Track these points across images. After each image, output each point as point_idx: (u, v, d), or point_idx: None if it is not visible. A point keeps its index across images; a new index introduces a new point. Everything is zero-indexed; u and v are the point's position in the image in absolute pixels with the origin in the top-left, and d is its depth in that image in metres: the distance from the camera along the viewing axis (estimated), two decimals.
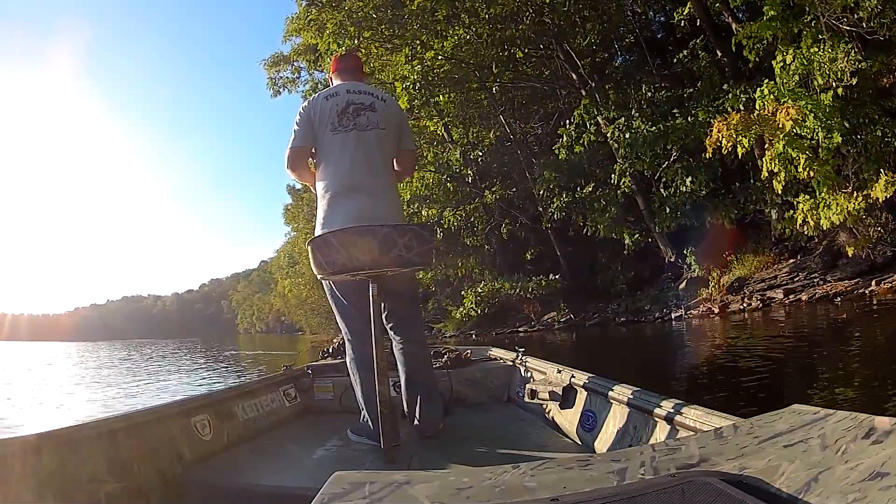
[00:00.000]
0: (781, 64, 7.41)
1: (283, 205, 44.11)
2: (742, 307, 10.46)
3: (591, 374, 2.32)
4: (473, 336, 15.75)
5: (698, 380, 5.44)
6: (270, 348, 24.11)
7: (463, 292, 16.35)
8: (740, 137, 7.30)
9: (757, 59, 8.85)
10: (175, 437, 1.99)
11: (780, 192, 7.53)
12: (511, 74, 14.63)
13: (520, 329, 15.37)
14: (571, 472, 0.93)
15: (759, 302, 10.30)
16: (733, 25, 10.76)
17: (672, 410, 1.63)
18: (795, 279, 10.38)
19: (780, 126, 7.10)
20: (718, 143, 7.73)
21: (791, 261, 10.91)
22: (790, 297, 10.01)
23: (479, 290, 15.69)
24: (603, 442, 2.01)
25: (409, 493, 0.84)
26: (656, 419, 1.72)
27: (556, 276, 14.79)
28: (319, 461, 2.14)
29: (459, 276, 17.86)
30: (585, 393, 2.28)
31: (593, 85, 13.38)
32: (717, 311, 10.74)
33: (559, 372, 2.56)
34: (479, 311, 15.84)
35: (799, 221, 7.11)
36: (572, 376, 2.40)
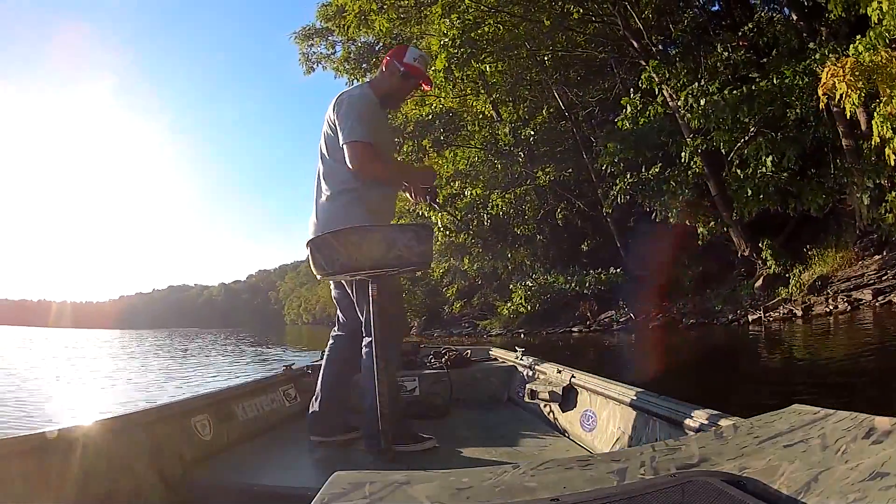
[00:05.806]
0: (878, 11, 6.64)
1: None
2: (828, 309, 9.71)
3: (591, 374, 2.46)
4: (522, 335, 15.41)
5: (776, 396, 5.03)
6: (317, 344, 24.51)
7: (511, 286, 15.92)
8: (860, 84, 6.61)
9: (842, 14, 8.12)
10: (175, 437, 2.10)
11: (894, 163, 6.83)
12: (565, 40, 13.73)
13: (574, 329, 14.89)
14: (571, 472, 0.96)
15: (846, 304, 9.54)
16: None
17: (672, 410, 1.73)
18: (884, 278, 9.53)
19: None
20: (832, 91, 7.03)
21: (877, 257, 10.03)
22: (879, 298, 9.22)
23: (530, 285, 15.21)
24: (603, 442, 2.14)
25: (409, 493, 0.87)
26: (656, 419, 1.82)
27: (618, 270, 14.04)
28: (319, 461, 2.27)
29: (508, 269, 17.22)
30: (585, 393, 2.41)
31: (658, 48, 12.54)
32: (799, 313, 10.04)
33: (559, 372, 2.70)
34: (529, 308, 15.35)
35: None
36: (572, 376, 2.55)
